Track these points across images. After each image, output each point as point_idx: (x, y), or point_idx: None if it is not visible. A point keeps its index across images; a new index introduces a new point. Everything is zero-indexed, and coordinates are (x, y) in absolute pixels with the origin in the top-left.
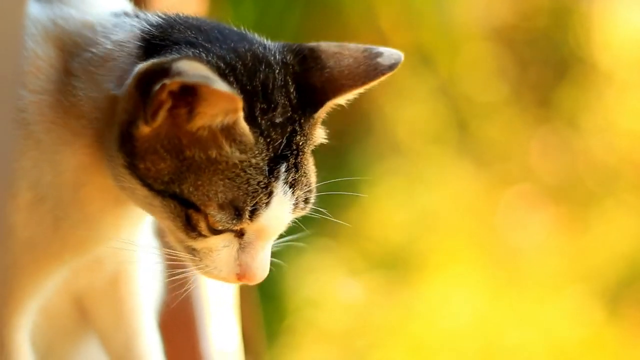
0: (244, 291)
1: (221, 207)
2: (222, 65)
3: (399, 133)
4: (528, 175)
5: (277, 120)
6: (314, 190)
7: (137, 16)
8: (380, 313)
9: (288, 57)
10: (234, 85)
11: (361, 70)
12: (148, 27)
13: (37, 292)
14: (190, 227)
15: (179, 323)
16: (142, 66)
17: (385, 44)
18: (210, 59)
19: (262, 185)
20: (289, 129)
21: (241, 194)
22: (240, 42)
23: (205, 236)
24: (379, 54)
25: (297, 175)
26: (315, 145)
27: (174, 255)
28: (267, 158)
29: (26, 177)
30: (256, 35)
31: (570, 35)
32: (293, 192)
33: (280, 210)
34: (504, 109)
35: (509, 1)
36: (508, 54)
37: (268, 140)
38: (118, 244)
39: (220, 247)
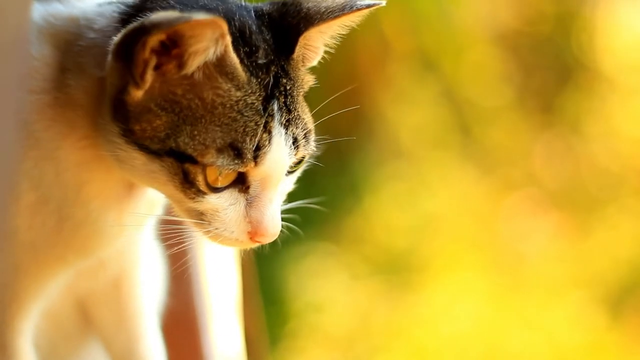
0: (247, 294)
1: (220, 151)
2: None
3: (402, 138)
4: (531, 180)
5: (261, 62)
6: (312, 130)
7: (116, 1)
8: (382, 317)
9: (264, 9)
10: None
11: (337, 6)
12: (124, 7)
13: (40, 295)
14: (188, 184)
15: (181, 326)
16: (117, 37)
17: (388, 48)
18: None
19: (261, 125)
20: (273, 70)
21: (240, 135)
22: (213, 2)
23: (204, 192)
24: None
25: (290, 116)
26: (305, 90)
27: (180, 231)
28: (260, 97)
29: (28, 178)
30: None
31: (574, 41)
32: (287, 132)
33: (281, 152)
34: (507, 114)
35: (512, 7)
36: (512, 59)
37: (258, 80)
38: (121, 247)
39: (226, 205)
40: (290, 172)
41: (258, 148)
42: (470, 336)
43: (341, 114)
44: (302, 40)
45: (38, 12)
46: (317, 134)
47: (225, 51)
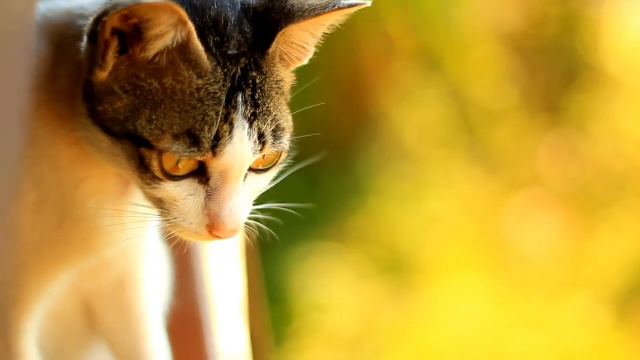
0: (252, 294)
1: (176, 137)
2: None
3: (407, 138)
4: (536, 180)
5: (231, 52)
6: (287, 129)
7: None
8: (387, 317)
9: (251, 3)
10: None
11: (320, 4)
12: None
13: (44, 295)
14: (143, 168)
15: (186, 326)
16: (88, 20)
17: (393, 48)
18: None
19: (222, 115)
20: (243, 62)
21: (198, 123)
22: None
23: (159, 179)
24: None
25: (256, 110)
26: (283, 89)
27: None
28: (224, 88)
29: (28, 177)
30: None
31: (579, 42)
32: (251, 126)
33: (242, 145)
34: (512, 114)
35: (518, 7)
36: (517, 59)
37: (225, 70)
38: (124, 246)
39: (185, 195)
40: (263, 171)
41: (217, 138)
42: (475, 336)
43: (345, 113)
44: (280, 36)
45: (37, 9)
46: (319, 132)
47: (188, 37)
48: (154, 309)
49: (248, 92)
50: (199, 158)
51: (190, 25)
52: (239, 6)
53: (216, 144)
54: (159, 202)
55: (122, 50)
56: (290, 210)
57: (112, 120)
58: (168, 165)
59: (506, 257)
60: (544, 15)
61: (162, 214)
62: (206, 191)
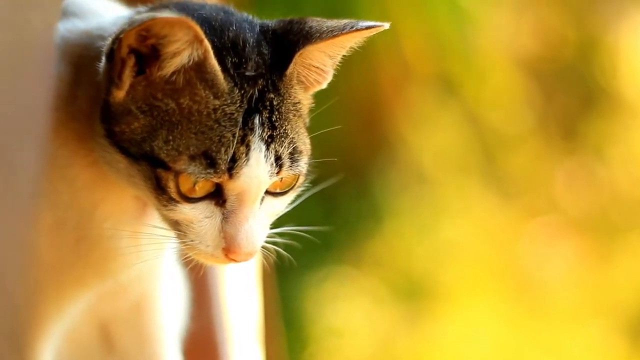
0: (268, 318)
1: (192, 158)
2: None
3: (424, 163)
4: (553, 206)
5: (248, 74)
6: (305, 152)
7: (135, 10)
8: (403, 343)
9: (270, 25)
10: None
11: (338, 26)
12: (135, 14)
13: (61, 317)
14: (160, 190)
15: (202, 349)
16: (107, 40)
17: (410, 72)
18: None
19: (239, 137)
20: (260, 83)
21: (214, 144)
22: (215, 12)
23: (176, 201)
24: (362, 21)
25: (274, 133)
26: (301, 111)
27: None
28: (241, 109)
29: (46, 198)
30: (233, 9)
31: (596, 68)
32: (268, 149)
33: (259, 168)
34: (529, 140)
35: (535, 32)
36: (534, 85)
37: (242, 92)
38: (141, 269)
39: (201, 217)
40: (280, 194)
41: (234, 160)
42: None
43: (363, 138)
44: (298, 58)
45: (57, 30)
46: (337, 156)
47: (205, 57)
48: (171, 332)
49: (265, 114)
50: (215, 180)
51: (207, 44)
52: (257, 28)
53: (233, 166)
54: (175, 224)
55: (140, 71)
56: (306, 235)
57: (129, 141)
58: (185, 187)
59: (522, 283)
60: (561, 41)
61: (178, 236)
62: (223, 214)
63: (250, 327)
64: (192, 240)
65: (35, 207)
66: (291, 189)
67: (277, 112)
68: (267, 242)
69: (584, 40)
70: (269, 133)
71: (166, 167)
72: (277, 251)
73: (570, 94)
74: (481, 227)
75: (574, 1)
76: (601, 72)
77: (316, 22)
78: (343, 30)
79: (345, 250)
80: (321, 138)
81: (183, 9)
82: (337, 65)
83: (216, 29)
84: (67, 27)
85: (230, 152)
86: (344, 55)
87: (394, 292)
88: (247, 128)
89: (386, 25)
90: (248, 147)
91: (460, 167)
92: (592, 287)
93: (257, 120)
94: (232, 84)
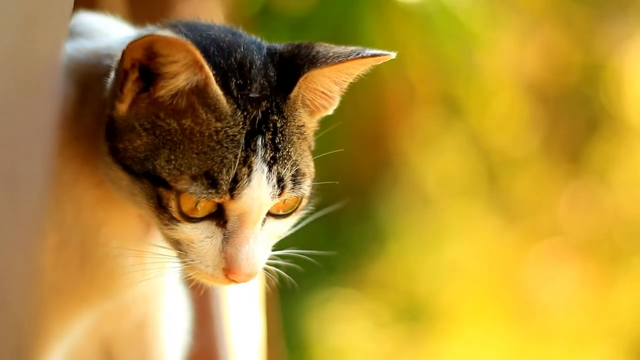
0: (271, 339)
1: (194, 178)
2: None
3: (427, 185)
4: (556, 229)
5: (253, 96)
6: (308, 175)
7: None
8: None
9: (278, 48)
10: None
11: (344, 52)
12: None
13: (65, 336)
14: (161, 209)
15: None
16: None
17: (415, 95)
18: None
19: (241, 158)
20: (264, 105)
21: (216, 165)
22: (224, 33)
23: (177, 220)
24: (373, 49)
25: (276, 155)
26: (306, 134)
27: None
28: (244, 131)
29: (50, 218)
30: (243, 32)
31: (601, 91)
32: (270, 170)
33: (261, 189)
34: (533, 163)
35: (540, 56)
36: (539, 108)
37: (245, 113)
38: (145, 289)
39: (202, 237)
40: (283, 216)
41: (235, 181)
42: None
43: (366, 160)
44: (302, 82)
45: (64, 50)
46: (340, 179)
47: (206, 83)
48: (174, 351)
49: (268, 135)
50: (216, 200)
51: (208, 70)
52: (265, 50)
53: (234, 186)
54: (176, 244)
55: (145, 88)
56: (309, 259)
57: (132, 158)
58: (186, 206)
59: (525, 305)
60: (567, 65)
61: (179, 256)
62: (224, 234)
63: (253, 347)
64: (192, 260)
65: (40, 226)
66: (294, 211)
67: (280, 134)
68: (269, 264)
69: (589, 64)
70: (271, 155)
71: (168, 186)
72: (279, 273)
73: (574, 117)
74: (484, 249)
75: (579, 25)
76: (606, 96)
77: (323, 47)
78: (349, 56)
79: (348, 272)
80: (325, 160)
81: (191, 29)
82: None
83: (224, 50)
84: (74, 47)
85: (232, 172)
86: (350, 83)
87: (397, 313)
88: (249, 149)
89: (392, 55)
90: (250, 168)
91: (464, 190)
92: (596, 310)
93: (259, 142)
94: (235, 106)
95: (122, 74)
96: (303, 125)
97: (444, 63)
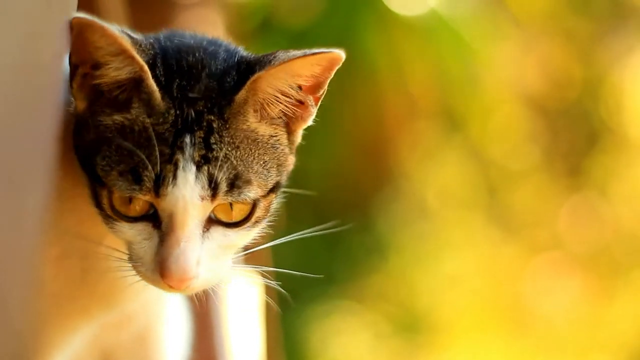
0: (270, 351)
1: (121, 174)
2: (149, 45)
3: (427, 198)
4: (556, 243)
5: (192, 96)
6: (254, 183)
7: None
8: None
9: (248, 57)
10: (158, 64)
11: (292, 54)
12: None
13: (65, 347)
14: (99, 207)
15: None
16: None
17: (415, 108)
18: (144, 38)
19: (166, 156)
20: (200, 105)
21: (142, 161)
22: (194, 41)
23: (111, 217)
24: (319, 48)
25: (209, 155)
26: (262, 142)
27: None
28: (173, 129)
29: (52, 230)
30: (228, 43)
31: (601, 105)
32: (199, 170)
33: (186, 188)
34: (533, 176)
35: (541, 69)
36: (539, 121)
37: (178, 112)
38: (145, 301)
39: (140, 239)
40: (234, 225)
41: (161, 179)
42: None
43: (367, 173)
44: (251, 85)
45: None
46: (341, 191)
47: (142, 76)
48: None
49: (200, 134)
50: (141, 197)
51: (141, 63)
52: (235, 58)
53: (159, 184)
54: (126, 245)
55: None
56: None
57: (83, 156)
58: (118, 203)
59: (525, 318)
60: (567, 78)
61: (128, 258)
62: (160, 236)
63: (253, 358)
64: (134, 262)
65: (42, 236)
66: (247, 221)
67: (217, 135)
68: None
69: (589, 77)
70: (202, 154)
71: (101, 183)
72: (280, 285)
73: (575, 131)
74: (484, 262)
75: (579, 39)
76: (606, 110)
77: (284, 52)
78: (295, 55)
79: (348, 285)
80: (326, 172)
81: (169, 36)
82: (344, 101)
83: (182, 53)
84: None
85: (157, 169)
86: (349, 90)
87: (397, 326)
88: (176, 147)
89: (341, 54)
90: (176, 165)
91: (464, 203)
92: (595, 323)
93: (187, 140)
94: (170, 104)
95: (72, 68)
96: (253, 131)
97: (444, 76)
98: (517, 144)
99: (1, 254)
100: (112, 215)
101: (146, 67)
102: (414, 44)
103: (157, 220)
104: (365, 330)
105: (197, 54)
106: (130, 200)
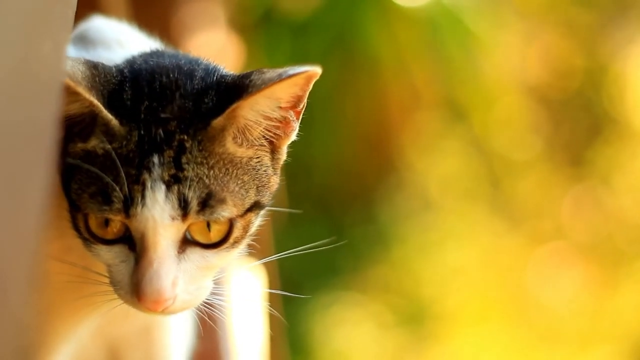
0: (274, 343)
1: (92, 196)
2: (116, 72)
3: (431, 189)
4: (559, 233)
5: (163, 116)
6: (229, 202)
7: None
8: None
9: (230, 77)
10: (126, 89)
11: (267, 77)
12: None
13: (70, 338)
14: (77, 231)
15: None
16: None
17: (418, 99)
18: (111, 66)
19: (134, 176)
20: (172, 125)
21: (110, 183)
22: (170, 59)
23: (88, 240)
24: (294, 68)
25: (179, 174)
26: (240, 164)
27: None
28: (138, 149)
29: (52, 226)
30: (209, 62)
31: (604, 95)
32: (169, 190)
33: (155, 208)
34: (536, 167)
35: (543, 60)
36: (542, 111)
37: (143, 132)
38: None
39: (117, 261)
40: (212, 246)
41: (130, 199)
42: None
43: (370, 164)
44: (229, 112)
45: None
46: (343, 183)
47: (95, 110)
48: (179, 353)
49: (169, 153)
50: (113, 217)
51: (90, 99)
52: (214, 77)
53: (129, 205)
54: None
55: None
56: (314, 260)
57: (65, 181)
58: (93, 225)
59: (528, 308)
60: (569, 69)
61: (109, 281)
62: (135, 258)
63: (256, 351)
64: (113, 285)
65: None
66: (225, 241)
67: (189, 155)
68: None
69: (592, 68)
70: (171, 173)
71: (76, 207)
72: (284, 276)
73: (577, 121)
74: (487, 253)
75: (582, 29)
76: (609, 100)
77: (259, 75)
78: (270, 80)
79: (352, 276)
80: (330, 164)
81: (147, 58)
82: (346, 92)
83: (154, 75)
84: (92, 56)
85: (125, 190)
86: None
87: (401, 317)
88: (142, 167)
89: (317, 70)
90: (144, 185)
91: (467, 193)
92: (598, 313)
93: (155, 160)
94: (134, 126)
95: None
96: (231, 154)
97: (447, 67)
98: (520, 135)
99: (2, 247)
100: (89, 238)
101: (96, 102)
102: (416, 34)
103: (132, 242)
104: (369, 321)
105: (171, 75)
106: (106, 223)
